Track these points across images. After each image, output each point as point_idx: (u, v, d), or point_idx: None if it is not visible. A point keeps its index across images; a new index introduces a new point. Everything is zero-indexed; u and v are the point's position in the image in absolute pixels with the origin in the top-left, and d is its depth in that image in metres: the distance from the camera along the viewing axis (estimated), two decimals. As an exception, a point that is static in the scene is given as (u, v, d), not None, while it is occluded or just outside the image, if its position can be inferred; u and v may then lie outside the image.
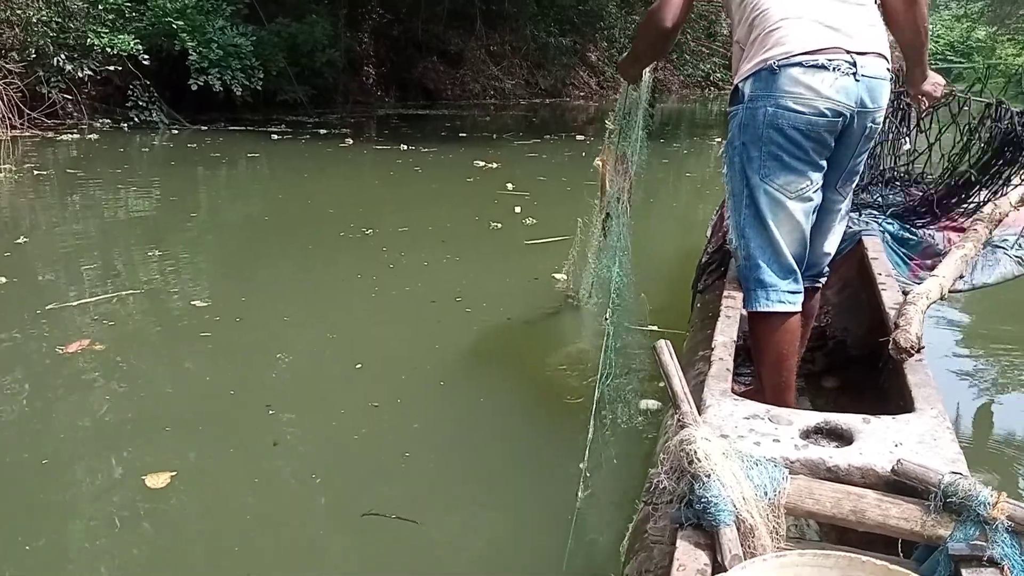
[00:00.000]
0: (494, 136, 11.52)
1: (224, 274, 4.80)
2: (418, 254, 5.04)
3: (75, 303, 4.03)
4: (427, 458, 2.64)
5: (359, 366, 3.34)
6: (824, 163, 2.16)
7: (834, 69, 2.04)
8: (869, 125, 2.15)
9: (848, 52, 2.06)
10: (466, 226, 5.94)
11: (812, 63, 2.04)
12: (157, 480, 2.49)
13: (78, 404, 3.00)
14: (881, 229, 2.85)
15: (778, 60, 2.04)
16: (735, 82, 2.14)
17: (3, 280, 4.31)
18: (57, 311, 3.92)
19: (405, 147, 9.84)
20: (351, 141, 10.34)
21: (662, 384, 2.90)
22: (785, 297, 2.20)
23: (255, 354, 3.49)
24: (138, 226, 5.97)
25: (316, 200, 6.94)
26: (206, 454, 2.70)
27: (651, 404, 2.95)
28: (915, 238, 2.91)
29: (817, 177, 2.17)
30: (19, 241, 5.20)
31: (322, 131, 11.24)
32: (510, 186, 7.22)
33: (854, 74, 2.06)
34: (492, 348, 3.65)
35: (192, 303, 4.08)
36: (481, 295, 4.26)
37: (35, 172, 7.72)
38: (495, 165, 8.57)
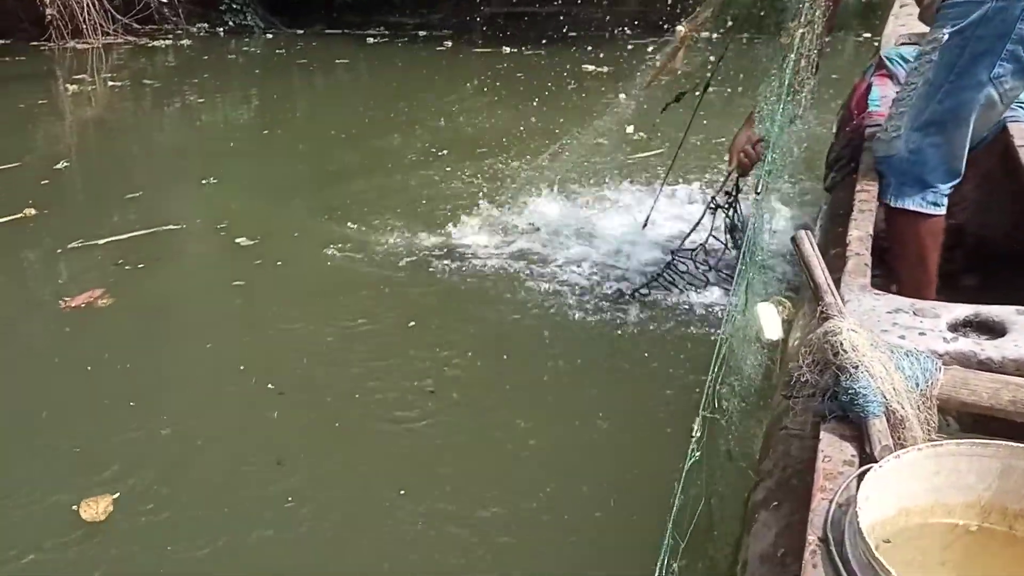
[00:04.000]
0: (607, 35, 10.31)
1: (278, 207, 4.24)
2: (494, 182, 4.47)
3: (102, 241, 3.64)
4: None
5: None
6: None
7: None
8: None
9: None
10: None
11: None
12: (96, 509, 2.04)
13: (39, 386, 2.61)
14: (1028, 113, 2.65)
15: None
16: None
17: (32, 212, 3.97)
18: (79, 251, 3.56)
19: (508, 50, 9.23)
20: (450, 44, 9.78)
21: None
22: (942, 200, 2.15)
23: (284, 312, 3.04)
24: (197, 148, 5.50)
25: (394, 114, 6.41)
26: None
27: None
28: (1066, 122, 2.70)
29: None
30: (58, 167, 4.81)
31: (421, 33, 10.63)
32: (623, 97, 6.59)
33: None
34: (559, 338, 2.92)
35: (237, 240, 3.65)
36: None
37: (109, 84, 7.47)
38: (605, 70, 7.88)
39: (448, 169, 4.86)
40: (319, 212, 4.15)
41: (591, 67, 7.97)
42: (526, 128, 5.74)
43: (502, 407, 2.47)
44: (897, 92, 2.28)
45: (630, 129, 5.52)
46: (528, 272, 3.36)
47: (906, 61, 2.89)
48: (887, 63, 2.99)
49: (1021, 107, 2.72)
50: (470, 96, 7.41)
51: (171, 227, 3.88)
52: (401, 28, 11.01)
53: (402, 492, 2.11)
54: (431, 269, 3.43)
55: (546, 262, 3.47)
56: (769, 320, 2.10)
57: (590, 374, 2.71)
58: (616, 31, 10.25)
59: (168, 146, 5.64)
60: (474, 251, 3.57)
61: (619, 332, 2.93)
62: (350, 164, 5.14)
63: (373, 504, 2.07)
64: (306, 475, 2.17)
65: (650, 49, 8.42)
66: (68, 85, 7.33)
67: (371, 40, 10.18)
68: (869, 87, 2.93)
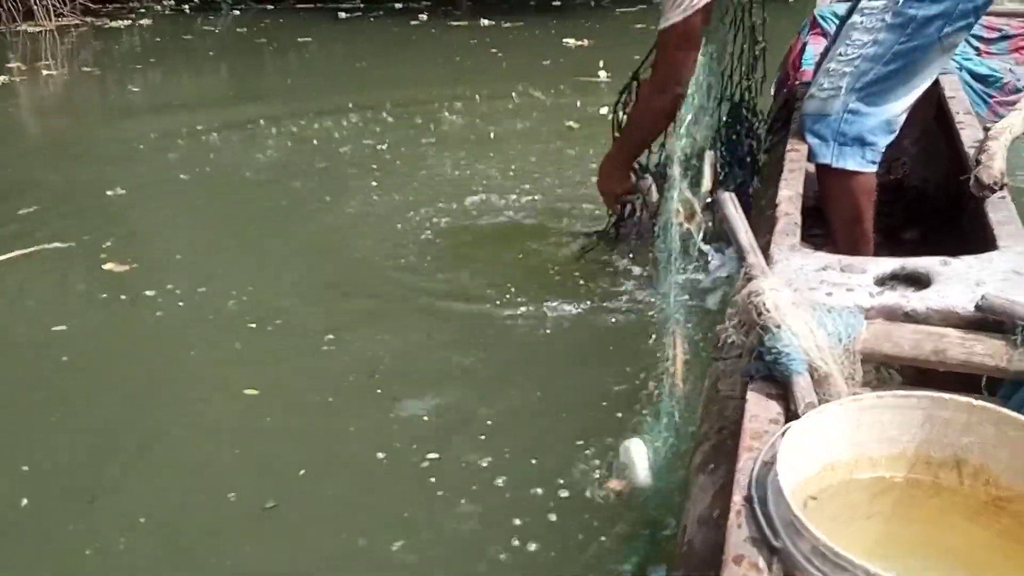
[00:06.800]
0: (592, 3, 9.70)
1: (168, 230, 3.72)
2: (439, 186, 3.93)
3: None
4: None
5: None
6: None
7: None
8: None
9: None
10: (528, 136, 4.76)
11: None
12: None
13: None
14: (958, 66, 2.68)
15: None
16: None
17: None
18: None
19: (486, 22, 8.61)
20: (425, 17, 9.18)
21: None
22: (879, 157, 2.13)
23: (112, 376, 2.57)
24: (116, 148, 4.90)
25: (342, 100, 5.68)
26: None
27: None
28: (996, 74, 2.73)
29: None
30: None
31: (398, 6, 9.87)
32: (603, 74, 6.01)
33: None
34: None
35: (105, 267, 3.21)
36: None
37: (44, 72, 6.90)
38: (587, 43, 7.37)
39: (379, 174, 4.27)
40: (215, 230, 3.68)
41: (572, 40, 7.49)
42: (480, 116, 5.31)
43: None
44: (833, 49, 2.25)
45: (604, 110, 4.90)
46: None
47: (839, 19, 2.89)
48: (821, 22, 2.99)
49: (952, 58, 2.75)
50: (442, 73, 6.78)
51: (56, 245, 3.40)
52: (377, 0, 10.07)
53: None
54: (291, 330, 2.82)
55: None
56: (639, 460, 1.87)
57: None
58: (604, 1, 9.59)
59: (86, 147, 5.02)
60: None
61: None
62: (266, 167, 4.46)
63: None
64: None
65: (638, 26, 7.44)
66: (-1, 75, 6.91)
67: (343, 15, 9.56)
68: (804, 46, 2.94)
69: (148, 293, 3.01)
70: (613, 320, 2.70)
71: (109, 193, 4.05)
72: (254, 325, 2.79)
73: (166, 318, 2.88)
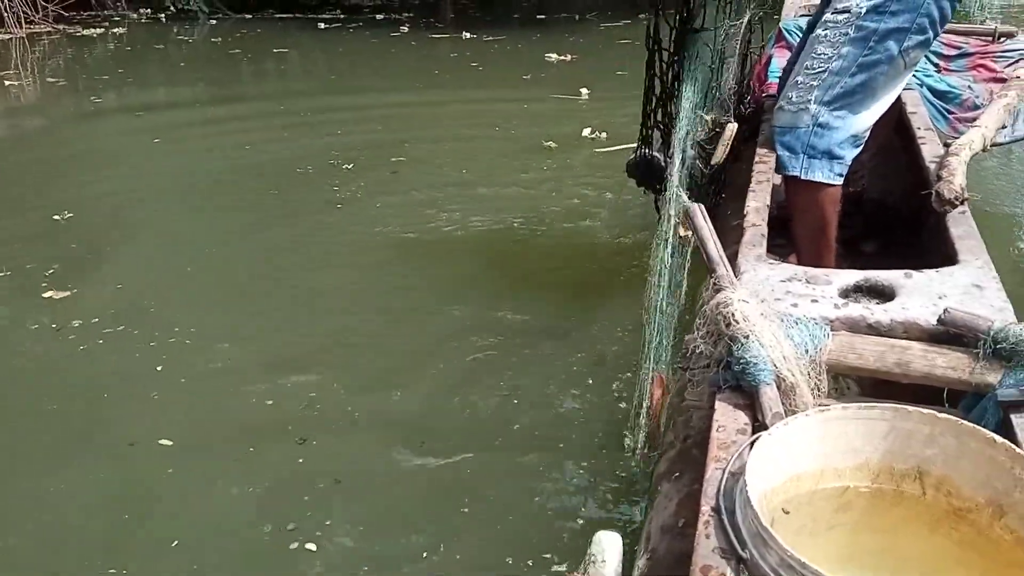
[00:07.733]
0: (577, 17, 9.59)
1: (116, 255, 3.51)
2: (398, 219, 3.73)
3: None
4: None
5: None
6: None
7: None
8: None
9: None
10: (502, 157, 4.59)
11: None
12: None
13: None
14: (919, 82, 2.73)
15: None
16: None
17: None
18: None
19: (467, 35, 8.49)
20: (407, 29, 9.03)
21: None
22: (846, 170, 2.17)
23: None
24: (68, 168, 4.68)
25: (304, 119, 5.55)
26: None
27: None
28: (955, 90, 2.78)
29: None
30: None
31: (379, 17, 9.80)
32: (584, 92, 5.93)
33: None
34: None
35: (46, 295, 3.08)
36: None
37: (7, 83, 6.70)
38: (570, 58, 7.28)
39: (342, 198, 4.09)
40: (162, 256, 3.51)
41: (554, 55, 7.36)
42: (455, 132, 5.18)
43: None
44: (799, 63, 2.27)
45: (586, 131, 4.95)
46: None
47: (803, 31, 2.92)
48: (786, 35, 3.03)
49: (913, 74, 2.80)
50: (419, 87, 6.63)
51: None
52: (358, 11, 10.09)
53: None
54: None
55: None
56: (611, 557, 1.75)
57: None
58: (589, 15, 9.56)
59: (38, 165, 4.76)
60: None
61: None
62: (225, 188, 4.30)
63: None
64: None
65: (623, 41, 7.14)
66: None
67: (322, 26, 9.40)
68: (770, 59, 2.97)
69: (75, 323, 2.84)
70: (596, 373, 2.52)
71: (56, 218, 3.85)
72: (181, 367, 2.59)
73: (90, 352, 2.69)
